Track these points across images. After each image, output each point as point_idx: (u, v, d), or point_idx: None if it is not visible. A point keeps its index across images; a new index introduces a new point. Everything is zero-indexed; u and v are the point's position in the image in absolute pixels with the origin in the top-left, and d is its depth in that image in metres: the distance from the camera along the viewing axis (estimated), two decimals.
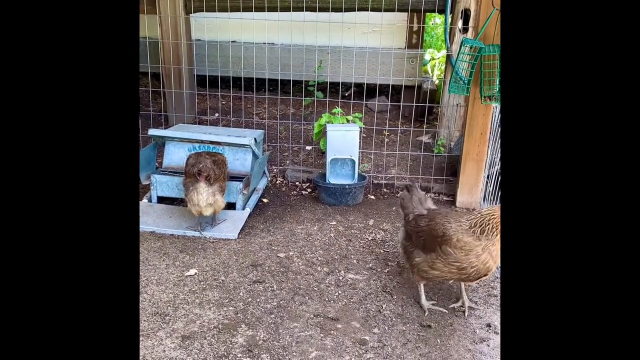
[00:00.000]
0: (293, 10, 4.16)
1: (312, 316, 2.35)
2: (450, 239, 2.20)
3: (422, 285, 2.46)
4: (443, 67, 5.27)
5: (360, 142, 3.83)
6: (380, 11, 4.12)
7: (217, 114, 4.93)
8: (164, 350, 2.04)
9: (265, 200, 3.80)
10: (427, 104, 4.68)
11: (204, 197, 2.97)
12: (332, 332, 2.25)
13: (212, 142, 3.53)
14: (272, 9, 4.16)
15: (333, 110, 4.12)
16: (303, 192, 4.04)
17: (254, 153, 3.58)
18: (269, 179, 4.12)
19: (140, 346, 2.06)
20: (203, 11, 4.36)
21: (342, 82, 4.76)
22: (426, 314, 2.42)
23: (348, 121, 4.07)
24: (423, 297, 2.46)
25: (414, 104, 4.20)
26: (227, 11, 4.24)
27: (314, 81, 4.79)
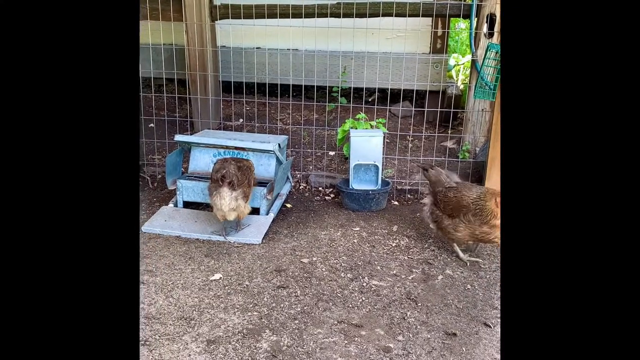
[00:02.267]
0: (317, 17, 4.18)
1: (336, 322, 2.35)
2: (471, 209, 2.84)
3: (454, 244, 3.01)
4: (468, 72, 5.22)
5: (383, 147, 3.82)
6: (405, 16, 4.11)
7: (241, 120, 4.98)
8: (190, 355, 2.06)
9: (288, 205, 3.81)
10: (451, 109, 4.64)
11: (227, 202, 3.00)
12: (356, 338, 2.24)
13: (236, 148, 3.57)
14: (297, 15, 4.19)
15: (357, 116, 4.12)
16: (326, 197, 4.04)
17: (277, 158, 3.60)
18: (292, 184, 4.13)
19: (166, 350, 2.09)
20: (228, 18, 4.41)
21: (365, 88, 4.76)
22: (467, 265, 2.94)
23: (371, 127, 4.06)
24: (459, 252, 2.99)
25: (439, 109, 4.17)
26: (252, 18, 4.29)
27: (338, 87, 4.80)
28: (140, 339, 2.15)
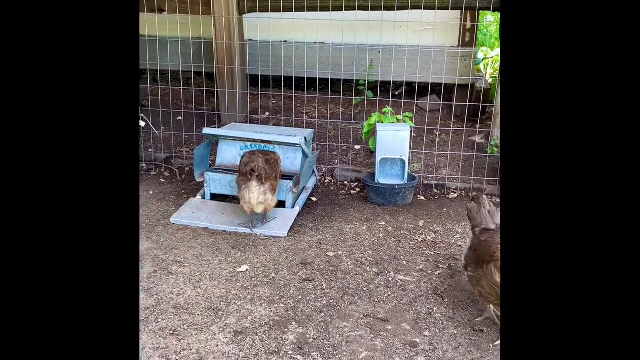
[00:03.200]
0: (345, 10, 4.16)
1: (361, 316, 2.35)
2: (497, 260, 2.11)
3: (489, 305, 2.36)
4: (497, 66, 5.14)
5: (410, 142, 3.79)
6: (434, 9, 4.06)
7: (267, 113, 5.00)
8: (217, 345, 2.09)
9: (314, 199, 3.82)
10: (480, 103, 4.57)
11: (256, 195, 3.03)
12: (382, 333, 2.24)
13: (263, 141, 3.59)
14: (324, 8, 4.17)
15: (383, 110, 4.10)
16: (352, 191, 4.04)
17: (303, 152, 3.61)
18: (318, 178, 4.14)
19: (194, 340, 2.12)
20: (256, 11, 4.42)
21: (393, 81, 4.72)
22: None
23: (398, 121, 4.04)
24: (493, 315, 2.35)
25: (467, 103, 4.12)
26: (280, 11, 4.29)
27: (365, 80, 4.77)
28: (169, 328, 2.19)
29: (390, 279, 2.70)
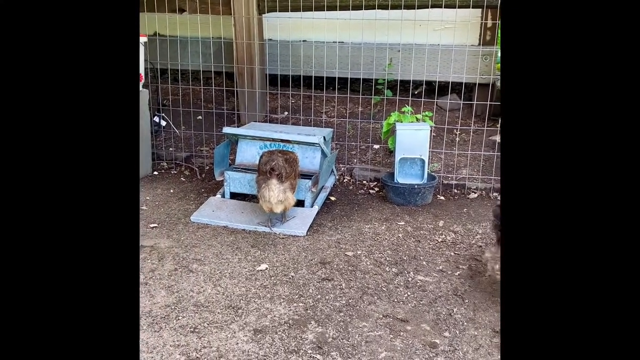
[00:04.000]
0: (365, 9, 4.15)
1: (381, 316, 2.35)
2: None
3: None
4: None
5: (430, 141, 3.77)
6: (454, 7, 4.03)
7: (286, 113, 5.01)
8: (237, 343, 2.11)
9: (332, 198, 3.82)
10: (501, 103, 4.52)
11: (275, 194, 3.04)
12: (401, 333, 2.23)
13: (282, 140, 3.60)
14: (344, 7, 4.17)
15: (402, 109, 4.08)
16: (370, 191, 4.02)
17: (322, 151, 3.61)
18: (337, 177, 4.14)
19: (214, 338, 2.14)
20: (276, 11, 4.44)
21: (412, 80, 4.69)
22: None
23: (418, 120, 4.01)
24: None
25: (488, 102, 4.08)
26: (300, 11, 4.29)
27: (384, 79, 4.75)
28: (190, 326, 2.21)
29: (409, 279, 2.69)
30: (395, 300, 2.49)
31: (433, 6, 4.06)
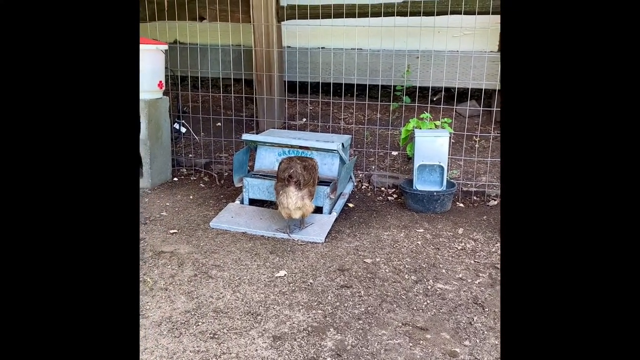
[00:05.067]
0: (384, 16, 4.15)
1: (400, 324, 2.33)
2: None
3: None
4: None
5: (449, 148, 3.75)
6: (474, 14, 4.01)
7: (304, 119, 5.03)
8: (256, 350, 2.11)
9: (351, 205, 3.82)
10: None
11: (293, 201, 3.05)
12: (421, 341, 2.21)
13: (301, 147, 3.61)
14: (363, 14, 4.18)
15: (421, 116, 4.06)
16: (389, 197, 4.01)
17: (341, 158, 3.61)
18: (355, 184, 4.13)
19: (234, 344, 2.14)
20: (295, 19, 4.47)
21: (431, 87, 4.68)
22: None
23: (436, 126, 3.99)
24: None
25: None
26: (318, 18, 4.32)
27: (402, 86, 4.75)
28: (209, 332, 2.22)
29: (429, 287, 2.67)
30: (415, 308, 2.47)
31: (452, 12, 4.05)
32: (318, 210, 3.41)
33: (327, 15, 4.27)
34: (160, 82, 4.12)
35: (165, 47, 4.14)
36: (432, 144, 3.67)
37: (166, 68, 4.23)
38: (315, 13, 4.32)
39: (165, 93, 4.30)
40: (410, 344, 2.19)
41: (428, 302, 2.53)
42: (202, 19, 4.80)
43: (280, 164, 3.23)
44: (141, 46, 3.96)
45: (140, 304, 2.42)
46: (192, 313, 2.36)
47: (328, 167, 3.64)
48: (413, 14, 4.12)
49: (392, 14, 4.15)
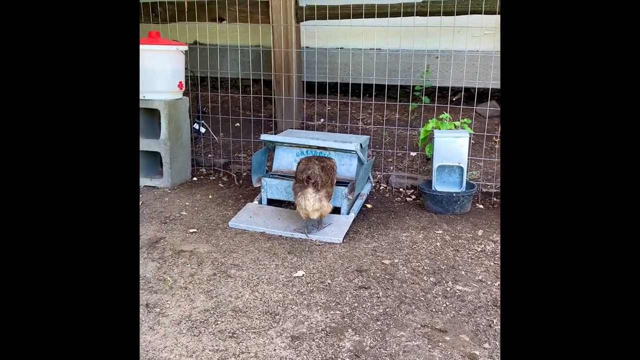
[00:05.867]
0: (403, 16, 4.13)
1: (419, 326, 2.32)
2: None
3: None
4: None
5: (469, 148, 3.71)
6: (495, 14, 3.97)
7: (322, 120, 5.03)
8: (275, 349, 2.12)
9: (368, 205, 3.80)
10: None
11: (311, 202, 3.05)
12: (440, 343, 2.20)
13: (319, 148, 3.61)
14: (382, 15, 4.16)
15: (440, 116, 4.03)
16: (407, 198, 3.99)
17: (359, 158, 3.61)
18: (373, 184, 4.12)
19: (252, 343, 2.15)
20: (314, 19, 4.47)
21: (451, 87, 4.64)
22: None
23: (456, 127, 3.96)
24: None
25: None
26: (337, 18, 4.32)
27: (421, 86, 4.72)
28: (228, 331, 2.23)
29: (448, 288, 2.65)
30: (434, 310, 2.45)
31: (473, 12, 4.01)
32: (336, 210, 3.41)
33: (346, 16, 4.26)
34: (180, 82, 4.16)
35: (185, 47, 4.18)
36: (451, 144, 3.64)
37: (186, 69, 4.27)
38: (334, 13, 4.31)
39: (185, 93, 4.34)
40: (429, 346, 2.18)
41: (447, 304, 2.51)
42: (221, 20, 4.84)
43: (298, 164, 3.23)
44: (161, 47, 4.00)
45: (160, 302, 2.45)
46: (211, 312, 2.37)
47: (346, 167, 3.63)
48: (433, 13, 4.09)
49: (411, 14, 4.13)
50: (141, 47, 3.98)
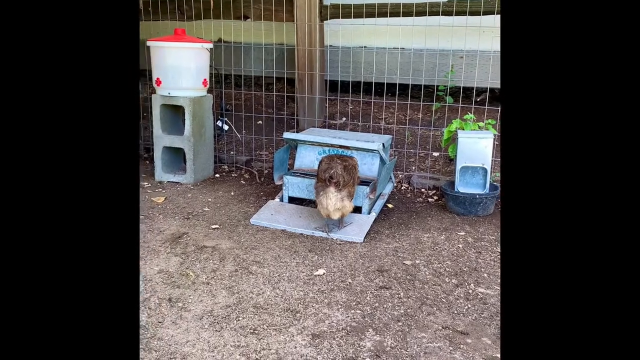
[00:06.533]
0: (429, 15, 4.10)
1: (440, 328, 2.30)
2: None
3: None
4: None
5: (493, 150, 3.67)
6: None
7: (344, 118, 5.02)
8: (296, 347, 2.12)
9: (390, 205, 3.79)
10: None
11: (333, 202, 3.05)
12: (461, 346, 2.18)
13: (341, 147, 3.60)
14: (407, 14, 4.14)
15: (464, 117, 3.99)
16: (429, 199, 3.97)
17: (381, 158, 3.59)
18: (395, 184, 4.10)
19: (273, 340, 2.16)
20: (338, 18, 4.47)
21: (476, 87, 4.60)
22: None
23: (480, 128, 3.92)
24: None
25: None
26: (362, 17, 4.30)
27: (445, 86, 4.68)
28: (249, 327, 2.25)
29: (470, 291, 2.62)
30: (455, 312, 2.43)
31: (499, 12, 3.96)
32: (357, 210, 3.40)
33: (370, 15, 4.25)
34: (205, 80, 4.19)
35: (210, 45, 4.21)
36: (475, 145, 3.61)
37: (210, 66, 4.30)
38: (359, 12, 4.30)
39: (209, 91, 4.38)
40: (451, 348, 2.16)
41: (469, 306, 2.49)
42: (246, 18, 4.86)
43: (320, 163, 3.23)
44: (187, 44, 4.04)
45: (183, 297, 2.48)
46: (233, 308, 2.39)
47: (368, 167, 3.62)
48: (459, 13, 4.05)
49: (437, 14, 4.10)
50: (167, 44, 4.02)
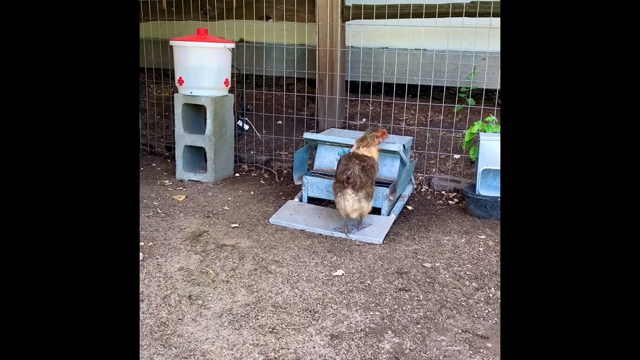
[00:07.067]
0: (451, 16, 4.07)
1: (460, 331, 2.28)
2: None
3: None
4: None
5: None
6: None
7: (364, 119, 5.01)
8: (314, 347, 2.12)
9: (409, 207, 3.77)
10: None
11: (350, 203, 3.05)
12: (481, 350, 2.15)
13: None
14: (430, 15, 4.11)
15: (486, 119, 3.95)
16: (449, 202, 3.93)
17: (401, 159, 3.57)
18: (415, 186, 4.07)
19: (292, 340, 2.17)
20: (360, 18, 4.46)
21: (499, 89, 4.54)
22: None
23: None
24: None
25: None
26: (384, 18, 4.29)
27: (467, 87, 4.64)
28: (268, 326, 2.26)
29: (490, 295, 2.59)
30: (475, 315, 2.41)
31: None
32: (376, 211, 3.39)
33: (392, 16, 4.23)
34: (227, 79, 4.22)
35: (232, 45, 4.24)
36: (497, 148, 3.56)
37: (232, 66, 4.33)
38: (381, 13, 4.29)
39: (230, 91, 4.41)
40: (470, 352, 2.14)
41: (489, 310, 2.46)
42: (268, 18, 4.89)
43: (338, 163, 3.22)
44: (209, 44, 4.08)
45: (203, 294, 2.50)
46: (252, 306, 2.40)
47: (388, 168, 3.61)
48: (482, 14, 4.01)
49: (460, 15, 4.06)
50: (190, 44, 4.06)
